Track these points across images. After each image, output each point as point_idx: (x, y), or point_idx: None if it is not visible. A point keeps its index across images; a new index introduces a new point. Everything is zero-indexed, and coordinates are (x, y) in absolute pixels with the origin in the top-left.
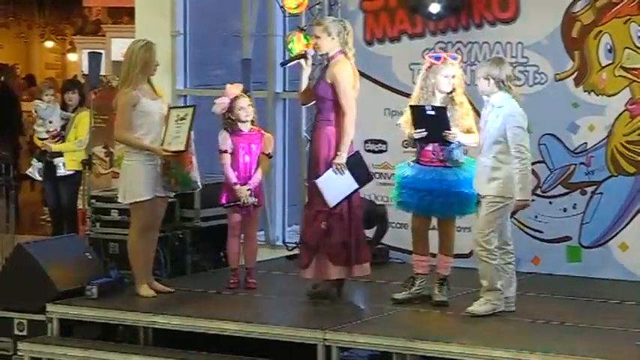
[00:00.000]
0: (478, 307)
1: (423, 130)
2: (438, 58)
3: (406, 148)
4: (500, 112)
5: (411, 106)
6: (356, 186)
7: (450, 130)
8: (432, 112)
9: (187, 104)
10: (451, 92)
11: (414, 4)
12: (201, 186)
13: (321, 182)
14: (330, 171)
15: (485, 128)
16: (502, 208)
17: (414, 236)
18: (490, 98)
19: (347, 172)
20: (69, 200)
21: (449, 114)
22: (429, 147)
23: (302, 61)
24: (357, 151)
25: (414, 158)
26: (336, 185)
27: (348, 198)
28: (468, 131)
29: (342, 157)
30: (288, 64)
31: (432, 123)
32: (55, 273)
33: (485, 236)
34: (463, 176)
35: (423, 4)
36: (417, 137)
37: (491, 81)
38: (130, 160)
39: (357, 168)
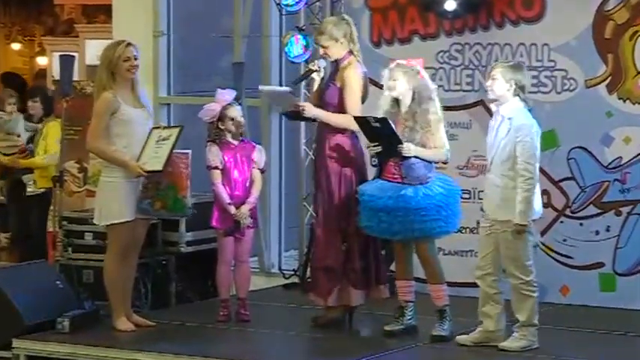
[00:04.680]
0: (511, 342)
1: (377, 144)
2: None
3: (373, 164)
4: (512, 124)
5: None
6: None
7: (400, 142)
8: (377, 124)
9: (172, 125)
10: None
11: (427, 1)
12: (193, 212)
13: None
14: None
15: (494, 142)
16: (530, 231)
17: (395, 259)
18: (500, 108)
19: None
20: (38, 222)
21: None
22: (391, 160)
23: (314, 75)
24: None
25: (377, 174)
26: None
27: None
28: (424, 146)
29: (321, 114)
30: (301, 82)
31: (383, 136)
32: (23, 304)
33: (521, 267)
34: (424, 192)
35: (437, 1)
36: (372, 154)
37: (513, 86)
38: (108, 177)
39: (386, 131)
